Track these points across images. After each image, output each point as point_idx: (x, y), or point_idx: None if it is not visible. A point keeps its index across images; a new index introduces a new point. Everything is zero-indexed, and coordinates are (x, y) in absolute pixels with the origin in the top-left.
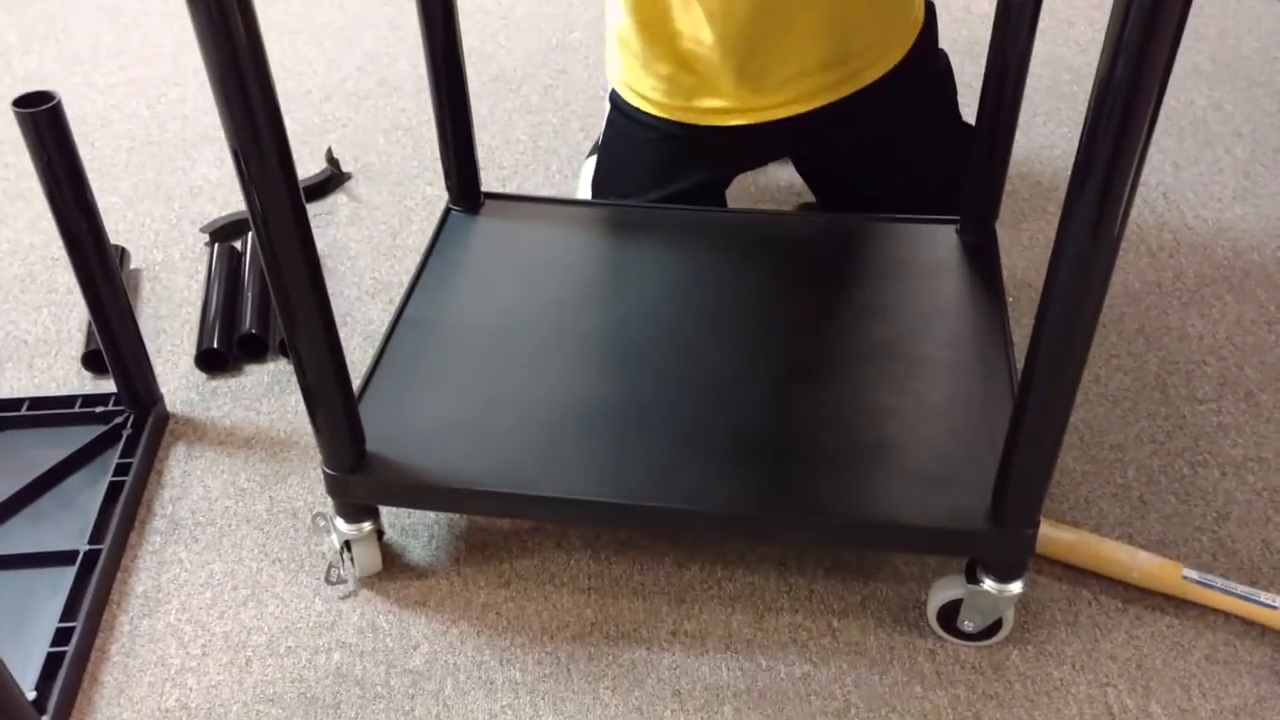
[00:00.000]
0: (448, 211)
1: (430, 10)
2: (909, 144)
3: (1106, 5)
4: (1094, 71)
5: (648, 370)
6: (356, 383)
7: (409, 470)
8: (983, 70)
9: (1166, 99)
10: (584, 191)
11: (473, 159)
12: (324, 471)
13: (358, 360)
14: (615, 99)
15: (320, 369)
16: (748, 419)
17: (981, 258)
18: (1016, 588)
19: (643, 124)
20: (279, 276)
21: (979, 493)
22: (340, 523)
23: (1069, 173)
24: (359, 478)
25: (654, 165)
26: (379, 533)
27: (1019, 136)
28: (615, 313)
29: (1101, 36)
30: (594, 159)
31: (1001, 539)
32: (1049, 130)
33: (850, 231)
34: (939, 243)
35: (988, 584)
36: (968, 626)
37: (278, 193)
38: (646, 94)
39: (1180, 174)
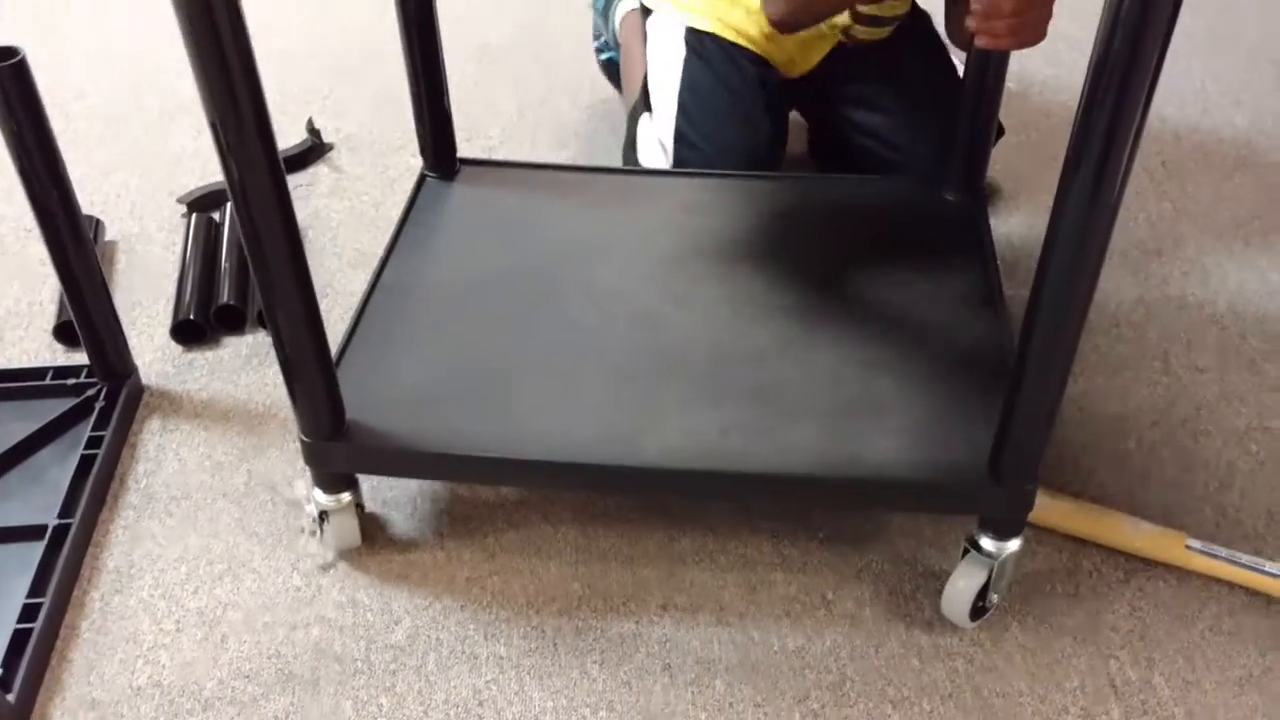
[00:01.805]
0: (423, 178)
1: None
2: (910, 65)
3: None
4: (1090, 39)
5: (628, 333)
6: (334, 352)
7: (389, 436)
8: None
9: (1164, 68)
10: (651, 146)
11: (448, 124)
12: (301, 440)
13: (338, 332)
14: (701, 39)
15: (298, 336)
16: (738, 380)
17: (971, 218)
18: (1015, 545)
19: (734, 51)
20: (257, 245)
21: (977, 450)
22: (318, 493)
23: (1065, 140)
24: (338, 445)
25: (748, 82)
26: (358, 506)
27: (1016, 104)
28: (592, 276)
29: (1097, 7)
30: (647, 116)
31: (1001, 495)
32: (1045, 98)
33: (839, 192)
34: (929, 204)
35: (986, 543)
36: (994, 599)
37: (256, 162)
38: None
39: (1180, 143)
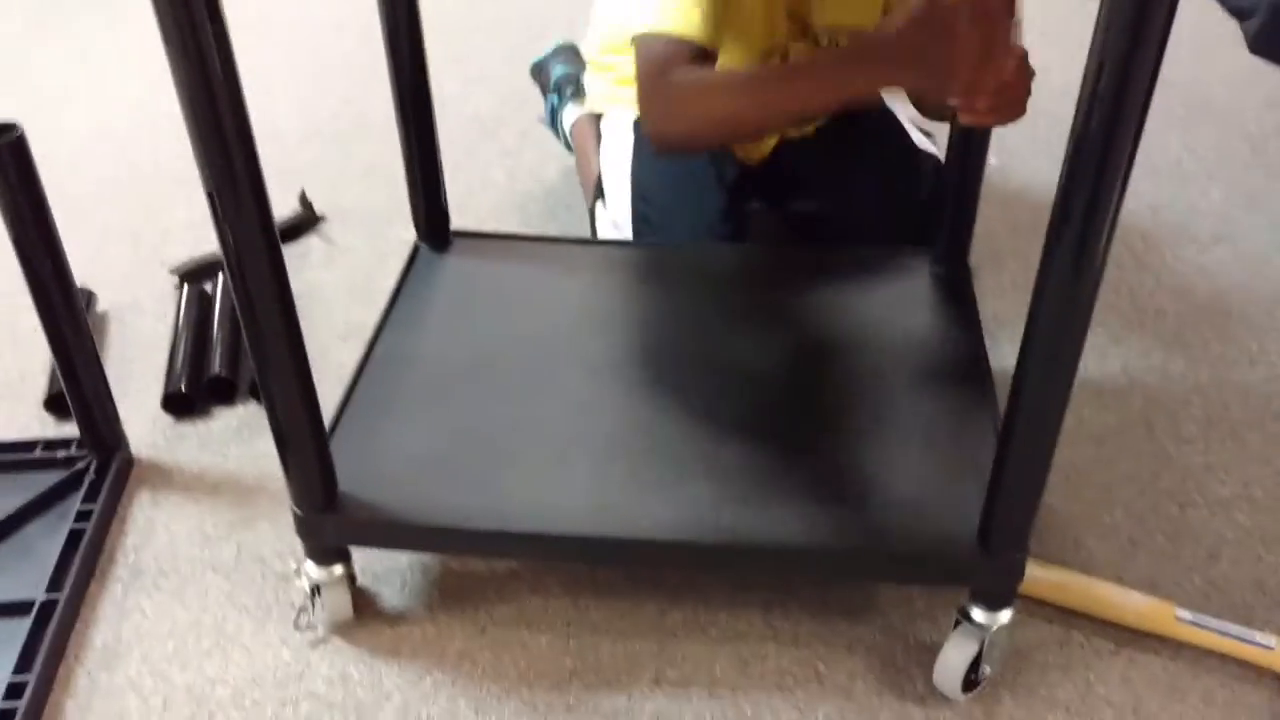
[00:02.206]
0: (416, 249)
1: (398, 47)
2: (865, 146)
3: (1081, 54)
4: (1069, 115)
5: (620, 405)
6: (327, 424)
7: (381, 509)
8: None
9: (1141, 143)
10: (607, 230)
11: (440, 196)
12: (294, 512)
13: (330, 404)
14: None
15: (292, 405)
16: (728, 453)
17: (956, 289)
18: (1007, 616)
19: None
20: (252, 313)
21: (966, 520)
22: (310, 566)
23: (1042, 212)
24: (330, 518)
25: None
26: (350, 578)
27: (998, 179)
28: (585, 348)
29: (1076, 83)
30: (600, 204)
31: (991, 566)
32: (1026, 173)
33: (825, 264)
34: (914, 275)
35: (977, 614)
36: (987, 671)
37: (252, 231)
38: None
39: (1158, 217)
